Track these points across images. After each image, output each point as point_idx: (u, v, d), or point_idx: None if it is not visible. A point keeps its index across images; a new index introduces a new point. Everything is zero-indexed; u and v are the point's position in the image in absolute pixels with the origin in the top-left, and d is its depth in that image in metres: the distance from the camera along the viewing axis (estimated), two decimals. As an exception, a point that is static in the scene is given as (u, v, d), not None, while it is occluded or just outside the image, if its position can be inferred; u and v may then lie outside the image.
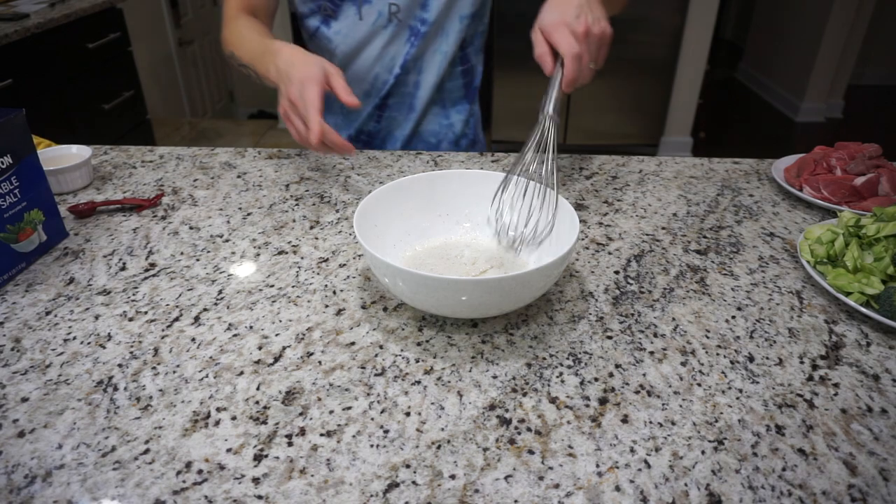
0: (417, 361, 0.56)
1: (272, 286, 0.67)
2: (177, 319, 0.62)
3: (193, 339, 0.59)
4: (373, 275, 0.69)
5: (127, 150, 1.01)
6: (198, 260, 0.72)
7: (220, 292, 0.66)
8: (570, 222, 0.63)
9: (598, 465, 0.46)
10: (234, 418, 0.50)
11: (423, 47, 1.02)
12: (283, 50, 0.81)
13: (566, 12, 0.68)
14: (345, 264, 0.71)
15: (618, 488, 0.45)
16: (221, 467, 0.46)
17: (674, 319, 0.62)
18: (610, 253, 0.74)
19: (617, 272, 0.70)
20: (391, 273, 0.56)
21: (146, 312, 0.63)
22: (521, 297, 0.57)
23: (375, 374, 0.55)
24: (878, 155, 0.86)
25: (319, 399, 0.52)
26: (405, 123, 1.10)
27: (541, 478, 0.45)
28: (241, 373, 0.55)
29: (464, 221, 0.73)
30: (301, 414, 0.51)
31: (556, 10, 0.69)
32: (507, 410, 0.51)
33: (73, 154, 0.89)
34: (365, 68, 1.03)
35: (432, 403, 0.52)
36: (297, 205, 0.84)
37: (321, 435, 0.49)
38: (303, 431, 0.49)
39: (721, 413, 0.51)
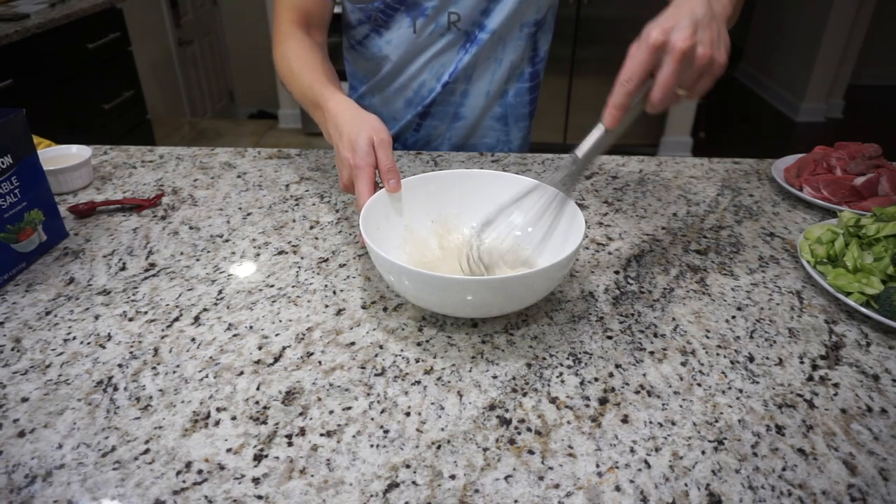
0: (417, 361, 0.56)
1: (272, 286, 0.67)
2: (177, 319, 0.62)
3: (193, 339, 0.59)
4: (374, 275, 0.69)
5: (127, 150, 1.01)
6: (198, 260, 0.72)
7: (220, 292, 0.66)
8: (575, 223, 0.62)
9: (598, 465, 0.46)
10: (234, 418, 0.50)
11: (478, 55, 0.97)
12: (335, 113, 0.74)
13: (675, 19, 0.55)
14: (345, 264, 0.71)
15: (618, 488, 0.45)
16: (221, 467, 0.46)
17: (674, 319, 0.62)
18: (610, 253, 0.74)
19: (617, 272, 0.70)
20: (396, 271, 0.56)
21: (146, 312, 0.63)
22: (525, 298, 0.57)
23: (375, 374, 0.55)
24: (878, 155, 0.86)
25: (319, 399, 0.52)
26: (448, 133, 1.06)
27: (541, 478, 0.45)
28: (241, 373, 0.55)
29: (469, 222, 0.73)
30: (301, 414, 0.51)
31: (667, 15, 0.56)
32: (507, 410, 0.51)
33: (73, 154, 0.89)
34: (412, 76, 0.99)
35: (432, 403, 0.52)
36: (297, 205, 0.84)
37: (321, 435, 0.49)
38: (303, 431, 0.49)
39: (721, 413, 0.51)
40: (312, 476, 0.45)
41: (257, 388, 0.53)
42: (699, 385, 0.54)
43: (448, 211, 0.72)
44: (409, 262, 0.68)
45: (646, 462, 0.47)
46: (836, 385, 0.54)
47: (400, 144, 1.08)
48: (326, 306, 0.64)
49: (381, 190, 0.68)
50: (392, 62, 0.98)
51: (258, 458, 0.47)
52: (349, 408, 0.51)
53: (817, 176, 0.85)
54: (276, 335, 0.60)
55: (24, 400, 0.52)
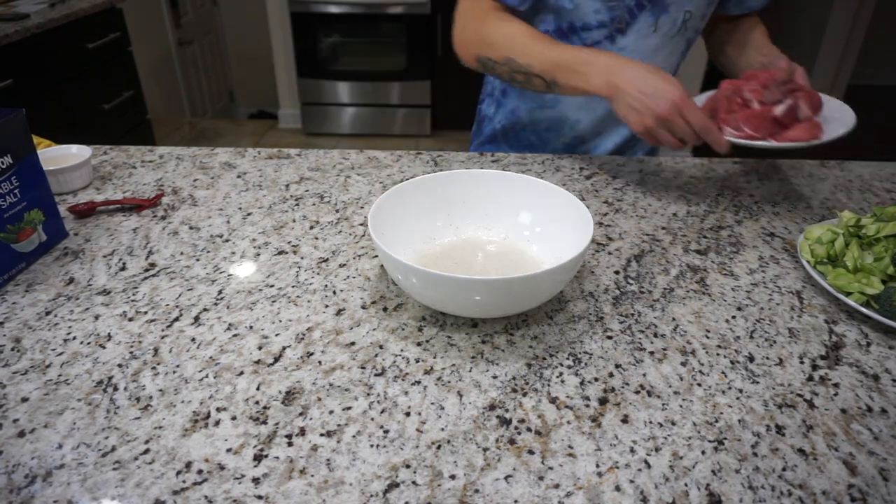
0: (417, 361, 0.56)
1: (272, 286, 0.67)
2: (177, 319, 0.62)
3: (193, 339, 0.59)
4: (374, 275, 0.69)
5: (127, 150, 1.01)
6: (198, 260, 0.72)
7: (220, 292, 0.66)
8: (583, 223, 0.62)
9: (598, 465, 0.46)
10: (234, 418, 0.50)
11: (684, 58, 0.99)
12: (624, 65, 0.79)
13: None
14: (345, 264, 0.71)
15: (618, 488, 0.45)
16: (221, 467, 0.46)
17: (674, 319, 0.62)
18: (610, 253, 0.74)
19: (617, 272, 0.70)
20: (404, 270, 0.56)
21: (146, 312, 0.63)
22: (532, 299, 0.57)
23: (375, 374, 0.55)
24: (791, 79, 0.82)
25: (319, 399, 0.52)
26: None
27: (541, 478, 0.45)
28: (241, 373, 0.55)
29: (476, 222, 0.73)
30: (301, 414, 0.51)
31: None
32: (507, 410, 0.51)
33: (73, 154, 0.89)
34: None
35: (432, 403, 0.52)
36: (297, 205, 0.84)
37: (321, 435, 0.49)
38: (303, 431, 0.49)
39: (721, 413, 0.51)
40: (312, 476, 0.45)
41: (257, 388, 0.53)
42: (699, 385, 0.54)
43: (455, 210, 0.72)
44: (415, 260, 0.68)
45: (646, 462, 0.47)
46: (836, 385, 0.54)
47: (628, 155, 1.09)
48: (326, 306, 0.64)
49: (388, 191, 0.68)
50: None
51: (258, 458, 0.47)
52: (349, 408, 0.51)
53: (734, 114, 0.80)
54: (276, 335, 0.60)
55: (24, 400, 0.52)
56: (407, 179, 0.70)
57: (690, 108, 0.75)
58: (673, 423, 0.50)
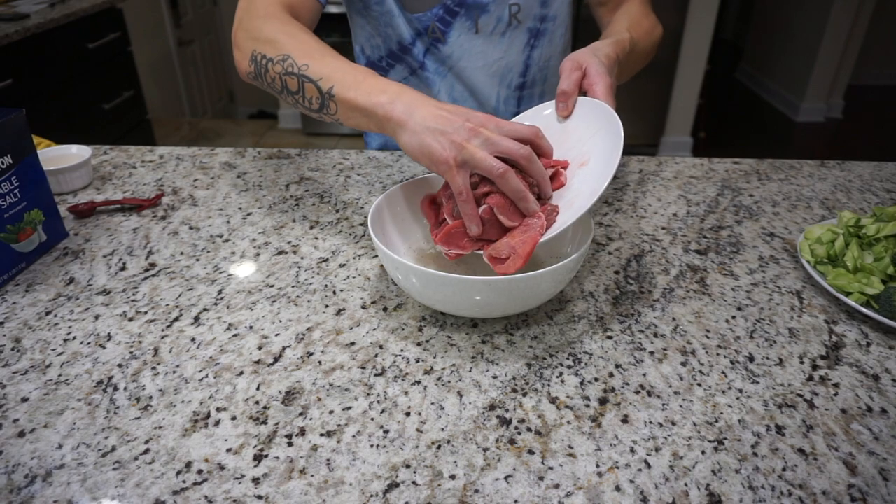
0: (417, 361, 0.56)
1: (272, 286, 0.67)
2: (177, 319, 0.62)
3: (193, 339, 0.59)
4: (374, 275, 0.69)
5: (127, 150, 1.01)
6: (198, 260, 0.72)
7: (220, 292, 0.66)
8: (584, 222, 0.62)
9: (598, 465, 0.46)
10: (234, 418, 0.50)
11: (547, 51, 0.95)
12: (424, 98, 0.61)
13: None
14: (345, 264, 0.71)
15: (618, 488, 0.45)
16: (221, 467, 0.46)
17: (674, 319, 0.62)
18: (610, 253, 0.74)
19: (617, 272, 0.70)
20: (404, 270, 0.56)
21: (146, 312, 0.63)
22: (532, 299, 0.57)
23: (375, 374, 0.55)
24: (482, 178, 0.58)
25: (319, 399, 0.52)
26: None
27: (541, 478, 0.45)
28: (241, 373, 0.55)
29: None
30: (301, 414, 0.51)
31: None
32: (507, 410, 0.51)
33: (73, 154, 0.89)
34: (483, 86, 0.94)
35: (432, 403, 0.52)
36: (297, 205, 0.84)
37: (321, 435, 0.49)
38: (303, 431, 0.49)
39: (721, 413, 0.51)
40: (312, 476, 0.45)
41: (257, 388, 0.53)
42: (699, 385, 0.54)
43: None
44: (415, 260, 0.68)
45: (646, 462, 0.47)
46: (836, 385, 0.54)
47: None
48: (326, 306, 0.64)
49: (388, 190, 0.68)
50: (450, 81, 0.93)
51: (258, 458, 0.47)
52: (349, 408, 0.51)
53: (441, 228, 0.61)
54: (276, 335, 0.60)
55: (24, 400, 0.52)
56: (407, 179, 0.70)
57: (503, 122, 0.60)
58: (673, 423, 0.50)
